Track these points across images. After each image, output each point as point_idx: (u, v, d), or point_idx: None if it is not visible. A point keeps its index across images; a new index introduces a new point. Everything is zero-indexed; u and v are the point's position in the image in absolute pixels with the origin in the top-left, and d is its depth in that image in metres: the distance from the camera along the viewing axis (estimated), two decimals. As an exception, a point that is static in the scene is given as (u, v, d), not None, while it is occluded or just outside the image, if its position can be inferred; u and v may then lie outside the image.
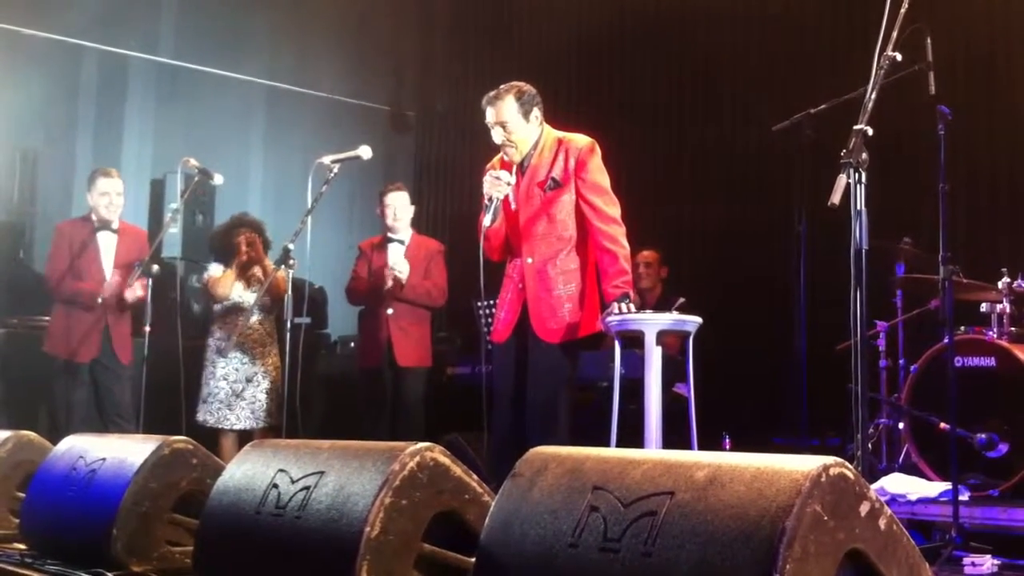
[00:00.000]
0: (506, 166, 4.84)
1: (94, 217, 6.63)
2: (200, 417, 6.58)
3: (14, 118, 8.21)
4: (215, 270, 6.78)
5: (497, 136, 4.81)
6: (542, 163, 4.76)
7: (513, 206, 4.81)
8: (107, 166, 6.98)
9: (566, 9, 9.33)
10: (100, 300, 6.38)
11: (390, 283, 6.48)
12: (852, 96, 4.79)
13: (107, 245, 6.60)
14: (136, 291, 6.31)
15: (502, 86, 4.84)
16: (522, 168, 4.81)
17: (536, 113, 4.80)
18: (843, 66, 6.96)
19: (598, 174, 4.74)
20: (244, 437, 6.46)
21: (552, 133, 4.84)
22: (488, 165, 4.89)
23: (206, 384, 6.63)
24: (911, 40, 3.83)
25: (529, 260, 4.75)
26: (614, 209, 4.72)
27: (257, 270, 6.74)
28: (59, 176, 8.45)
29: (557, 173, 4.71)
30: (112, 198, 6.61)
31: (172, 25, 9.28)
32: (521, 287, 4.77)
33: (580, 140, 4.78)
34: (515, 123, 4.76)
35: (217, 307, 6.75)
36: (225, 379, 6.59)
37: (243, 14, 9.46)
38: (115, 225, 6.65)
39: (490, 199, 4.71)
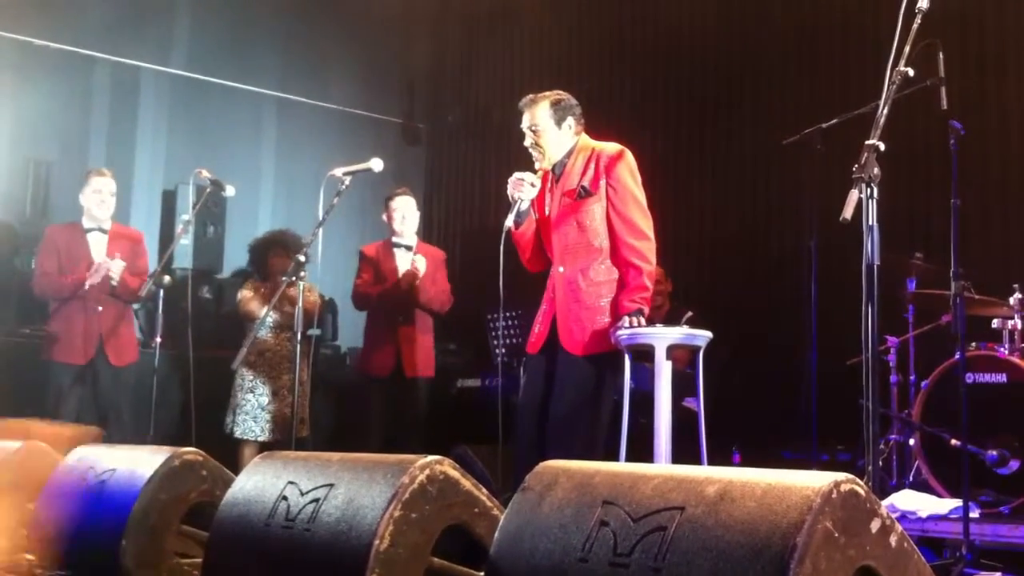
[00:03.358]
0: (546, 175, 4.85)
1: (84, 220, 6.68)
2: (230, 429, 6.74)
3: (27, 129, 8.23)
4: (247, 291, 6.89)
5: (527, 139, 4.83)
6: (574, 171, 4.75)
7: (547, 211, 4.81)
8: (119, 176, 7.03)
9: (577, 23, 9.35)
10: (87, 286, 6.43)
11: (414, 280, 6.46)
12: (864, 111, 4.79)
13: (98, 246, 6.64)
14: (117, 266, 6.38)
15: (541, 92, 4.87)
16: (556, 176, 4.82)
17: (570, 122, 4.81)
18: (855, 81, 6.98)
19: (630, 182, 4.70)
20: (264, 449, 6.49)
21: (588, 143, 4.83)
22: (538, 175, 4.86)
23: (234, 396, 6.73)
24: (923, 55, 3.82)
25: (561, 269, 4.73)
26: (646, 223, 4.69)
27: (291, 291, 6.78)
28: (71, 187, 8.40)
29: (587, 181, 4.69)
30: (104, 196, 6.68)
31: (185, 36, 9.31)
32: (553, 298, 4.76)
33: (613, 149, 4.76)
34: (545, 128, 4.78)
35: (250, 325, 6.77)
36: (253, 392, 6.69)
37: (255, 26, 9.49)
38: (106, 226, 6.69)
39: (513, 200, 4.72)
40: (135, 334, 6.80)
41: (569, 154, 4.80)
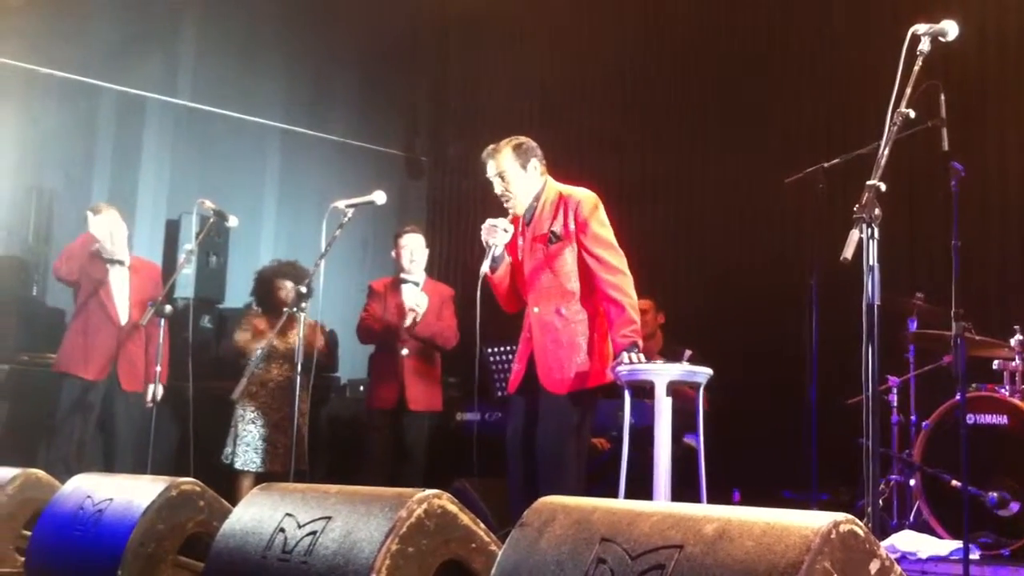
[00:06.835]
0: (517, 219, 4.89)
1: (104, 256, 6.66)
2: (230, 460, 6.68)
3: (31, 156, 8.27)
4: (246, 332, 6.84)
5: (497, 187, 4.88)
6: (544, 217, 4.80)
7: (520, 256, 4.85)
8: (123, 206, 7.04)
9: (577, 56, 9.39)
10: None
11: (410, 320, 6.48)
12: (865, 151, 4.81)
13: (119, 282, 6.62)
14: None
15: (501, 141, 4.90)
16: (527, 221, 4.85)
17: (535, 164, 4.86)
18: (856, 121, 7.00)
19: (600, 228, 4.75)
20: (263, 480, 6.45)
21: (555, 187, 4.88)
22: (509, 219, 4.90)
23: (235, 426, 6.68)
24: (925, 96, 3.84)
25: (536, 310, 4.79)
26: (619, 260, 4.73)
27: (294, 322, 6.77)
28: (75, 215, 8.46)
29: (558, 227, 4.75)
30: (111, 228, 6.65)
31: (190, 67, 9.37)
32: (530, 338, 4.80)
33: (580, 194, 4.81)
34: (512, 174, 4.83)
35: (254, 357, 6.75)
36: (254, 423, 6.66)
37: (260, 57, 9.55)
38: (127, 261, 6.69)
39: (488, 246, 4.76)
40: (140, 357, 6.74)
41: (537, 197, 4.85)
